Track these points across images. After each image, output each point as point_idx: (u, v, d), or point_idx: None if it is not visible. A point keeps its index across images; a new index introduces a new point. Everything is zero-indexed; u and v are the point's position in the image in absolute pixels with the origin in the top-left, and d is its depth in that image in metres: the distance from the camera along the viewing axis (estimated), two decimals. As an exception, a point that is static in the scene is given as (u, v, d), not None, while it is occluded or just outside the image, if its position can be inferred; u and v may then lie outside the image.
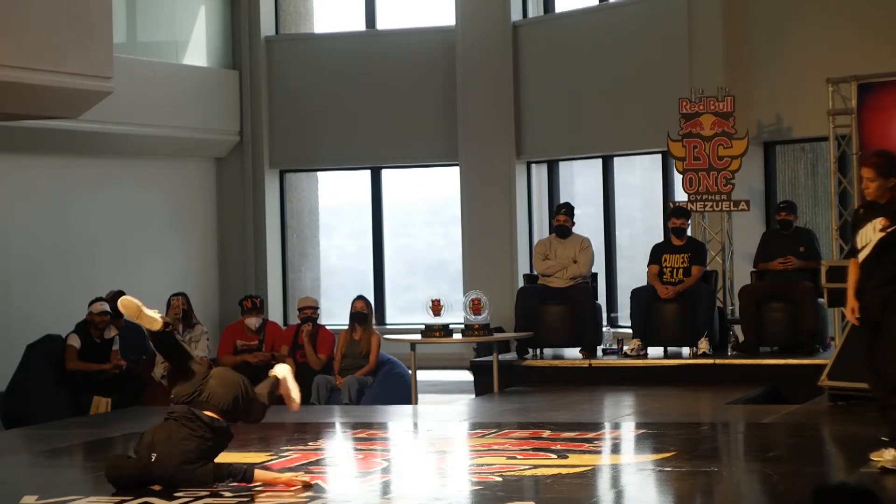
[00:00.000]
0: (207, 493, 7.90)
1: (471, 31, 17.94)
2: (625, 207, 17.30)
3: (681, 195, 14.91)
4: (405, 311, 18.44)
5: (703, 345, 13.27)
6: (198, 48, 18.64)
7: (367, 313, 13.70)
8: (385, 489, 8.25)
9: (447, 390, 15.05)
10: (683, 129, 14.45)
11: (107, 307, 13.66)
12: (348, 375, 13.25)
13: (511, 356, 14.05)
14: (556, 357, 13.86)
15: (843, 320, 13.05)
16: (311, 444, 9.78)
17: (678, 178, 14.81)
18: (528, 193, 17.94)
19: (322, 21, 19.47)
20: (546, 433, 9.93)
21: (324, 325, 14.12)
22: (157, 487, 7.72)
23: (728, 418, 11.08)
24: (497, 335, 13.69)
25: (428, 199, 19.61)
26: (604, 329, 14.18)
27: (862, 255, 8.08)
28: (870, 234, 8.01)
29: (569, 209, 14.13)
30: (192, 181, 18.48)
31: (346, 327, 13.75)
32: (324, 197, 19.48)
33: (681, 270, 13.65)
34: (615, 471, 8.72)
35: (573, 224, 14.04)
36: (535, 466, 8.47)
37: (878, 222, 7.98)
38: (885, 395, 8.08)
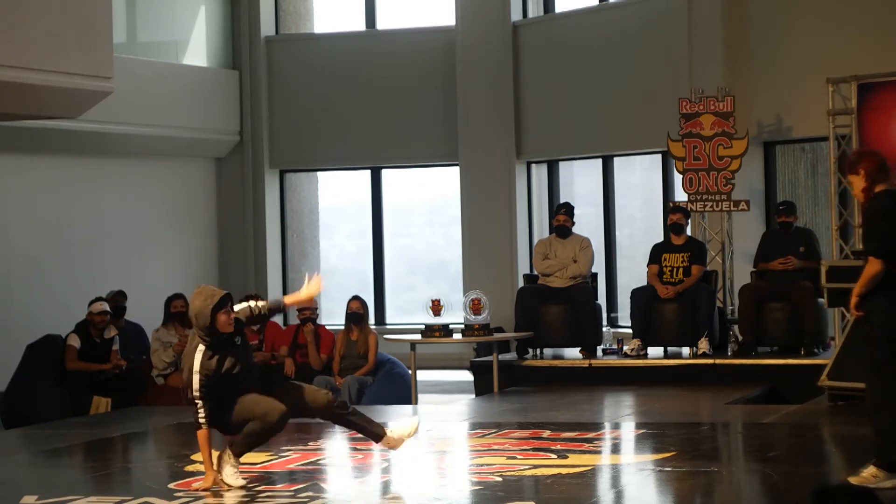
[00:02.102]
0: (207, 493, 7.91)
1: (471, 31, 17.94)
2: (625, 207, 17.30)
3: (681, 195, 14.90)
4: (405, 311, 18.44)
5: (703, 345, 13.27)
6: (198, 48, 18.64)
7: (362, 313, 13.69)
8: (385, 489, 8.26)
9: (447, 390, 15.05)
10: (683, 129, 14.45)
11: (107, 307, 13.65)
12: (348, 375, 13.25)
13: (511, 356, 14.05)
14: (556, 357, 13.85)
15: (843, 320, 13.06)
16: (311, 444, 9.79)
17: (678, 178, 14.80)
18: (528, 193, 17.94)
19: (322, 21, 19.48)
20: (546, 433, 9.93)
21: (323, 325, 14.13)
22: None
23: (728, 418, 11.07)
24: (497, 335, 13.69)
25: (428, 199, 19.61)
26: (604, 329, 14.17)
27: None
28: None
29: (568, 209, 14.12)
30: (192, 181, 18.48)
31: (343, 328, 13.75)
32: (324, 197, 19.48)
33: (681, 270, 13.65)
34: (615, 471, 8.72)
35: (573, 224, 14.04)
36: (535, 466, 8.47)
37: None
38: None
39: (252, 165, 18.84)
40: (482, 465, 8.68)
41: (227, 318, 7.96)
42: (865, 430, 9.17)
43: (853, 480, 7.61)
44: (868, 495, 4.40)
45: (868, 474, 7.62)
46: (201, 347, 7.94)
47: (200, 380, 7.90)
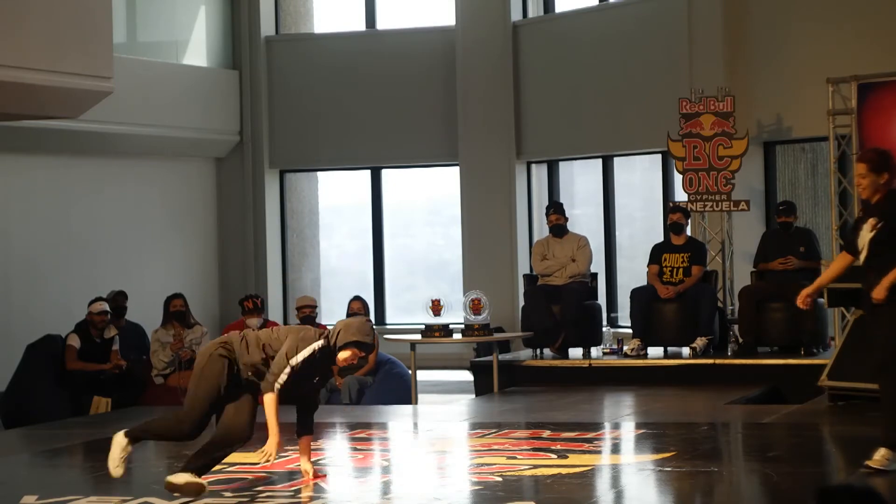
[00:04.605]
0: (207, 493, 7.91)
1: (471, 31, 17.94)
2: (625, 207, 17.30)
3: (681, 195, 14.90)
4: (405, 311, 18.44)
5: (699, 342, 13.24)
6: (198, 48, 18.64)
7: (363, 314, 13.69)
8: (385, 489, 8.26)
9: (447, 390, 15.05)
10: (683, 129, 14.45)
11: (107, 307, 13.66)
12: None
13: (511, 356, 14.05)
14: (556, 357, 13.84)
15: (843, 320, 13.06)
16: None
17: (678, 178, 14.80)
18: (528, 193, 17.94)
19: (322, 21, 19.47)
20: (546, 433, 9.93)
21: (322, 325, 14.12)
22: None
23: (728, 418, 11.07)
24: (497, 335, 13.69)
25: (428, 199, 19.60)
26: (604, 329, 14.18)
27: (861, 257, 8.12)
28: (866, 237, 8.04)
29: (557, 207, 14.13)
30: (192, 181, 18.48)
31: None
32: (324, 197, 19.48)
33: (681, 270, 13.65)
34: (615, 471, 8.72)
35: (566, 220, 14.05)
36: (535, 466, 8.47)
37: (870, 222, 8.01)
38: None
39: (252, 165, 18.84)
40: (482, 465, 8.68)
41: (351, 356, 7.83)
42: (865, 430, 9.19)
43: (869, 463, 7.85)
44: (871, 495, 4.39)
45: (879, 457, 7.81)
46: (317, 345, 7.77)
47: (289, 371, 7.71)
